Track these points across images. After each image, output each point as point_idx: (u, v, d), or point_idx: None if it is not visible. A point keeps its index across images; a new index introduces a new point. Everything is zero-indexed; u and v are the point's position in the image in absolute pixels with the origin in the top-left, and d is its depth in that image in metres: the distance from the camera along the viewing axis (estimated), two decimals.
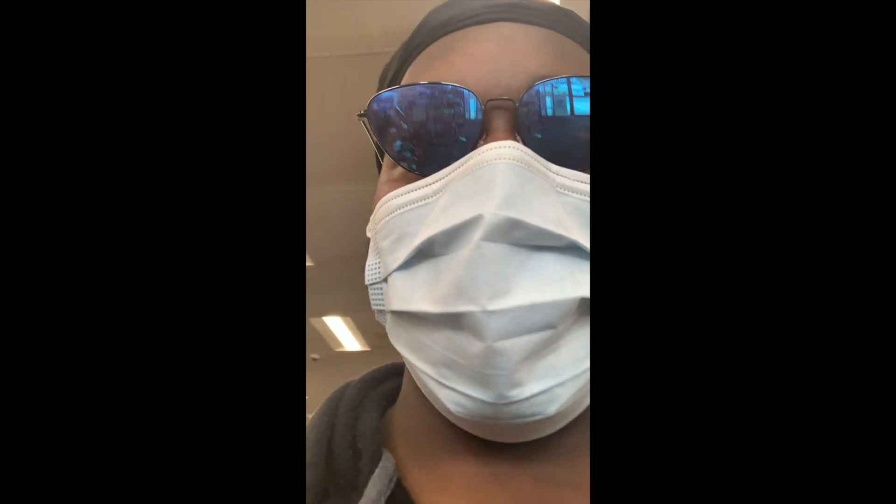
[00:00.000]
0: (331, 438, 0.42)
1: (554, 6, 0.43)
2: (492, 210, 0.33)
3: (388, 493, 0.38)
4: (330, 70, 2.37)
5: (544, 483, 0.38)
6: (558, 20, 0.42)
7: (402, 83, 0.43)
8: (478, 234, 0.34)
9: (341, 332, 5.37)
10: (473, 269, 0.34)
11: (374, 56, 2.31)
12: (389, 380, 0.48)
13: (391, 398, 0.46)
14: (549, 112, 0.37)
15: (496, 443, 0.38)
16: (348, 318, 5.08)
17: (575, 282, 0.35)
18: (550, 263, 0.35)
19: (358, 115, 0.42)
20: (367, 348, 5.59)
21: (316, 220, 3.05)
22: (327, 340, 5.44)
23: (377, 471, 0.38)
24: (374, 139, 0.42)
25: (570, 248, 0.35)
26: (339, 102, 2.26)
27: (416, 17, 0.46)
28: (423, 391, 0.39)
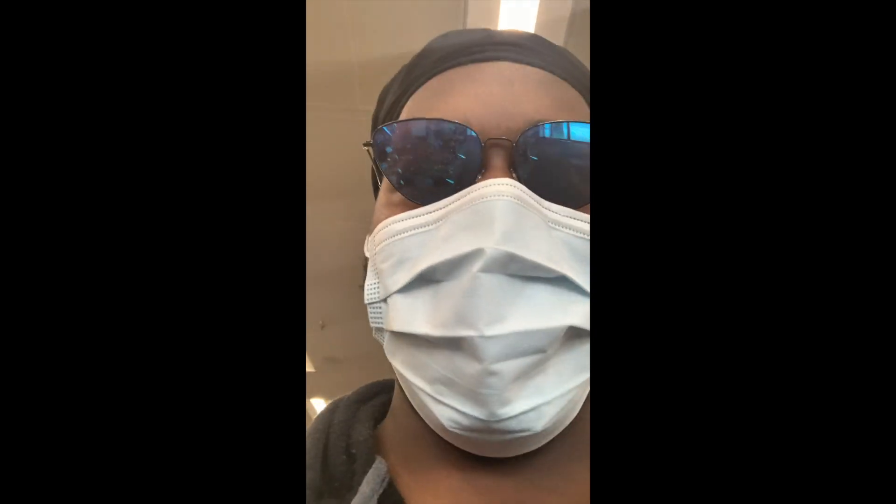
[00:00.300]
0: (325, 446, 0.44)
1: (552, 47, 0.46)
2: (492, 245, 0.36)
3: (381, 490, 0.40)
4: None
5: (528, 489, 0.41)
6: (555, 62, 0.45)
7: (405, 114, 0.45)
8: (478, 265, 0.36)
9: None
10: (473, 297, 0.36)
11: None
12: (380, 395, 0.50)
13: (382, 412, 0.48)
14: (543, 153, 0.40)
15: (481, 458, 0.41)
16: None
17: (564, 311, 0.38)
18: (542, 294, 0.38)
19: (363, 144, 0.44)
20: (311, 370, 5.54)
21: None
22: None
23: (370, 471, 0.40)
24: (377, 167, 0.44)
25: (560, 280, 0.38)
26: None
27: None
28: (416, 406, 0.41)
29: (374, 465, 0.41)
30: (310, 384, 5.38)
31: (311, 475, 0.41)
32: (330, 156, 2.45)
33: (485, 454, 0.40)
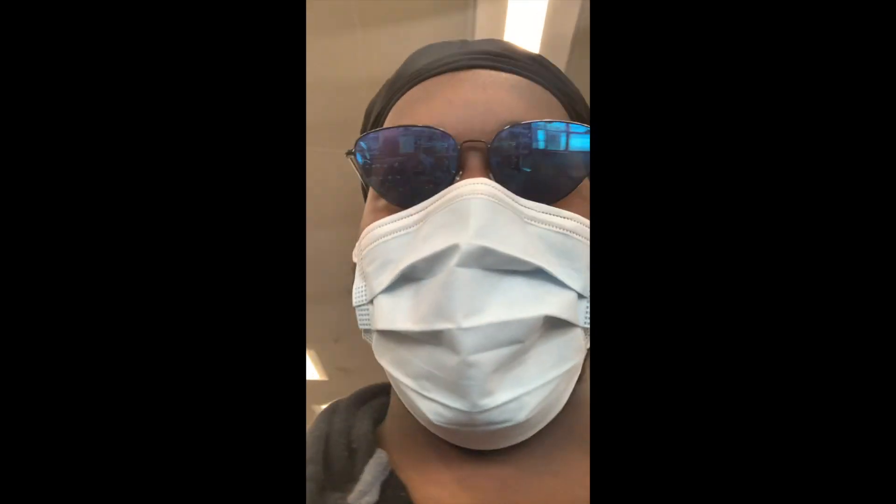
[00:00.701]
0: (327, 443, 0.45)
1: (527, 54, 0.48)
2: (466, 239, 0.37)
3: (383, 479, 0.41)
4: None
5: (530, 475, 0.42)
6: (529, 67, 0.46)
7: (386, 123, 0.47)
8: (454, 260, 0.37)
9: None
10: (450, 291, 0.37)
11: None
12: (378, 397, 0.52)
13: (381, 413, 0.50)
14: (517, 152, 0.42)
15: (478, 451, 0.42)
16: (312, 351, 5.12)
17: (540, 301, 0.39)
18: (519, 286, 0.39)
19: (346, 152, 0.46)
20: (325, 378, 5.59)
21: None
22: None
23: (371, 461, 0.42)
24: (361, 174, 0.46)
25: (536, 273, 0.39)
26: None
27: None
28: (406, 404, 0.42)
29: (374, 455, 0.42)
30: (322, 392, 5.42)
31: (313, 468, 0.42)
32: (346, 179, 2.49)
33: (474, 447, 0.42)
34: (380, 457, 0.42)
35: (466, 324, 0.37)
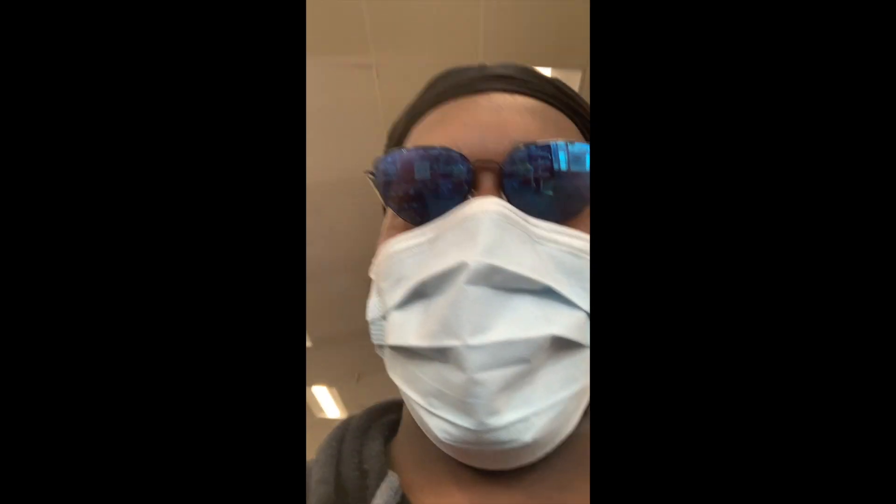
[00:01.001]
0: (338, 462, 0.45)
1: (541, 77, 0.49)
2: (474, 258, 0.38)
3: (395, 503, 0.41)
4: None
5: (538, 499, 0.42)
6: (543, 90, 0.47)
7: (406, 145, 0.48)
8: (462, 278, 0.37)
9: (325, 401, 5.46)
10: (457, 308, 0.37)
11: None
12: (391, 413, 0.51)
13: (393, 429, 0.49)
14: (529, 172, 0.42)
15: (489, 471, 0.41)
16: (335, 389, 5.14)
17: (548, 321, 0.38)
18: (526, 305, 0.39)
19: (365, 171, 0.47)
20: (346, 415, 5.61)
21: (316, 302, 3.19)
22: (311, 408, 5.50)
23: (383, 484, 0.41)
24: (379, 193, 0.46)
25: (544, 292, 0.39)
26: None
27: None
28: (416, 420, 0.42)
29: (386, 479, 0.42)
30: None
31: (325, 489, 0.42)
32: (366, 223, 2.54)
33: (481, 466, 0.41)
34: (391, 480, 0.42)
35: (473, 341, 0.37)
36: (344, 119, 2.46)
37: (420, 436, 0.43)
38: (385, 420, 0.50)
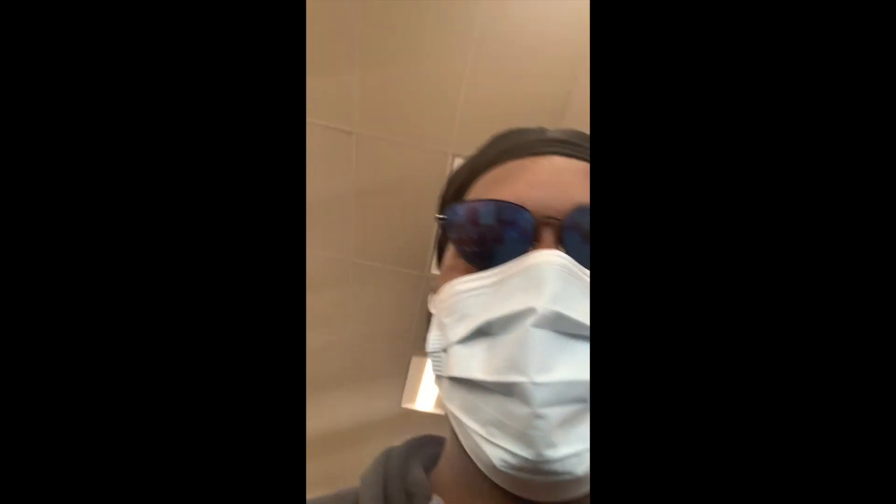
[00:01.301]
0: (385, 486, 0.48)
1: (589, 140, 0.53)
2: (543, 304, 0.41)
3: None
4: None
5: None
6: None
7: (470, 196, 0.53)
8: (530, 321, 0.41)
9: None
10: (525, 348, 0.41)
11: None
12: (429, 446, 0.55)
13: (431, 462, 0.52)
14: (587, 230, 0.46)
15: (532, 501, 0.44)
16: None
17: None
18: (586, 350, 0.42)
19: (436, 216, 0.52)
20: None
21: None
22: None
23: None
24: (447, 236, 0.52)
25: None
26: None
27: None
28: (468, 448, 0.45)
29: (432, 501, 0.45)
30: None
31: None
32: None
33: (531, 497, 0.43)
34: (438, 501, 0.45)
35: (539, 379, 0.40)
36: (317, 178, 2.57)
37: (462, 466, 0.46)
38: (424, 453, 0.53)
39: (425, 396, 4.01)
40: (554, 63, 2.13)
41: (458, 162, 2.35)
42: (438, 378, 0.49)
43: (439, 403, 4.08)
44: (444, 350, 0.47)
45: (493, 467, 0.42)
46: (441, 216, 0.51)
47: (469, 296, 0.47)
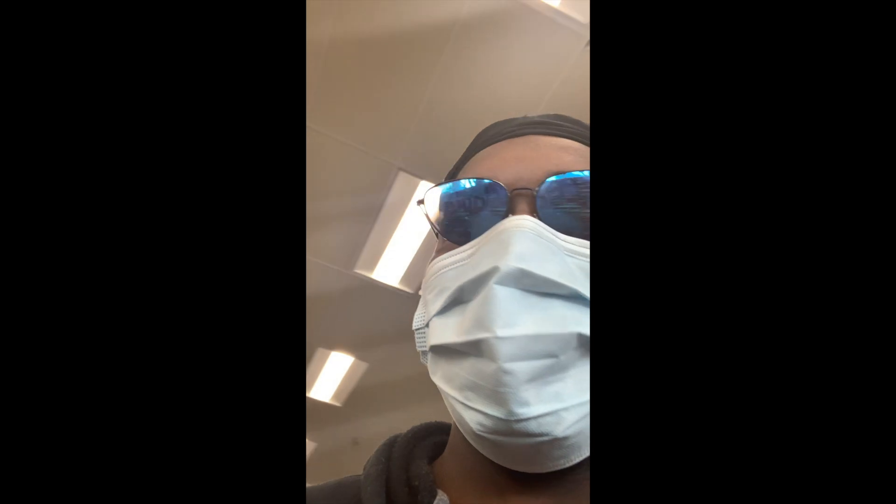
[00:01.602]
0: (387, 478, 0.47)
1: (575, 122, 0.55)
2: (505, 262, 0.41)
3: None
4: None
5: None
6: (576, 132, 0.53)
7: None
8: (493, 279, 0.41)
9: None
10: (488, 305, 0.41)
11: None
12: (435, 435, 0.54)
13: (436, 451, 0.52)
14: (560, 197, 0.46)
15: (533, 480, 0.44)
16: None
17: (575, 321, 0.42)
18: (555, 307, 0.42)
19: (417, 201, 0.53)
20: None
21: None
22: None
23: (435, 501, 0.44)
24: (429, 219, 0.52)
25: (573, 297, 0.42)
26: None
27: None
28: (456, 420, 0.45)
29: (437, 497, 0.44)
30: None
31: (378, 502, 0.45)
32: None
33: (517, 466, 0.43)
34: (442, 498, 0.44)
35: (502, 333, 0.40)
36: None
37: (465, 455, 0.46)
38: (428, 442, 0.52)
39: (322, 387, 4.08)
40: (508, 105, 2.29)
41: (403, 175, 2.47)
42: (423, 354, 0.50)
43: (335, 395, 4.17)
44: (427, 325, 0.48)
45: (473, 433, 0.43)
46: (420, 200, 0.53)
47: (448, 270, 0.47)
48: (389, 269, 3.08)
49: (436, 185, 0.52)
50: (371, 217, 2.79)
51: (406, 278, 3.13)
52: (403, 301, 3.19)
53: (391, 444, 0.51)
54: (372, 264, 3.06)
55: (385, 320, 3.35)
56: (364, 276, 3.08)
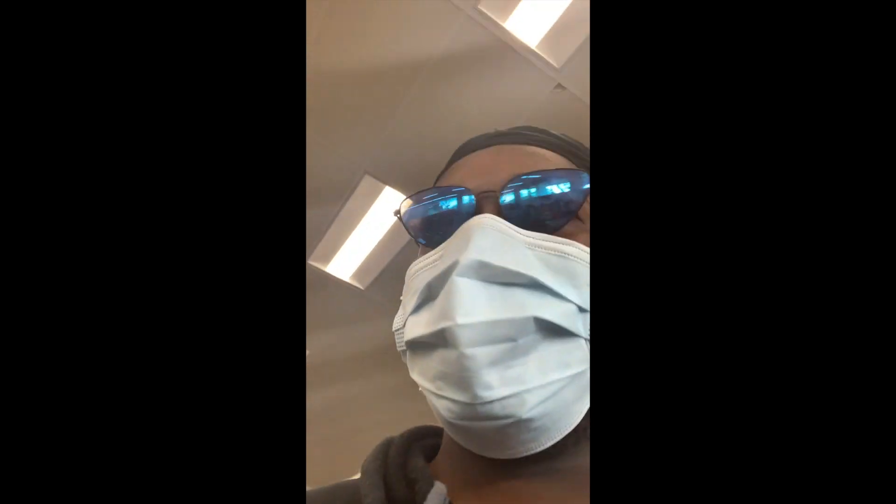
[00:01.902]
0: (385, 474, 0.48)
1: (541, 130, 0.58)
2: (465, 255, 0.43)
3: None
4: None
5: (578, 487, 0.45)
6: (537, 138, 0.56)
7: None
8: (455, 272, 0.43)
9: None
10: (450, 296, 0.43)
11: None
12: (429, 437, 0.55)
13: (431, 452, 0.53)
14: (522, 197, 0.48)
15: (520, 469, 0.45)
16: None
17: (534, 306, 0.43)
18: (515, 295, 0.43)
19: (393, 212, 0.55)
20: None
21: None
22: None
23: (432, 491, 0.44)
24: (406, 227, 0.54)
25: (532, 285, 0.44)
26: None
27: None
28: (432, 409, 0.47)
29: (434, 487, 0.45)
30: None
31: (377, 494, 0.45)
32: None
33: (489, 452, 0.45)
34: (439, 488, 0.45)
35: (462, 321, 0.42)
36: None
37: (459, 455, 0.48)
38: (424, 443, 0.54)
39: None
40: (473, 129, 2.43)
41: (368, 179, 2.61)
42: (403, 354, 0.51)
43: None
44: (404, 325, 0.50)
45: (446, 421, 0.45)
46: (396, 211, 0.55)
47: (421, 271, 0.49)
48: (343, 264, 3.22)
49: (411, 195, 0.55)
50: (333, 214, 2.92)
51: (358, 274, 3.27)
52: (353, 295, 3.32)
53: (387, 445, 0.52)
54: (327, 258, 3.19)
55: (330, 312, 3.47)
56: (317, 267, 3.20)
